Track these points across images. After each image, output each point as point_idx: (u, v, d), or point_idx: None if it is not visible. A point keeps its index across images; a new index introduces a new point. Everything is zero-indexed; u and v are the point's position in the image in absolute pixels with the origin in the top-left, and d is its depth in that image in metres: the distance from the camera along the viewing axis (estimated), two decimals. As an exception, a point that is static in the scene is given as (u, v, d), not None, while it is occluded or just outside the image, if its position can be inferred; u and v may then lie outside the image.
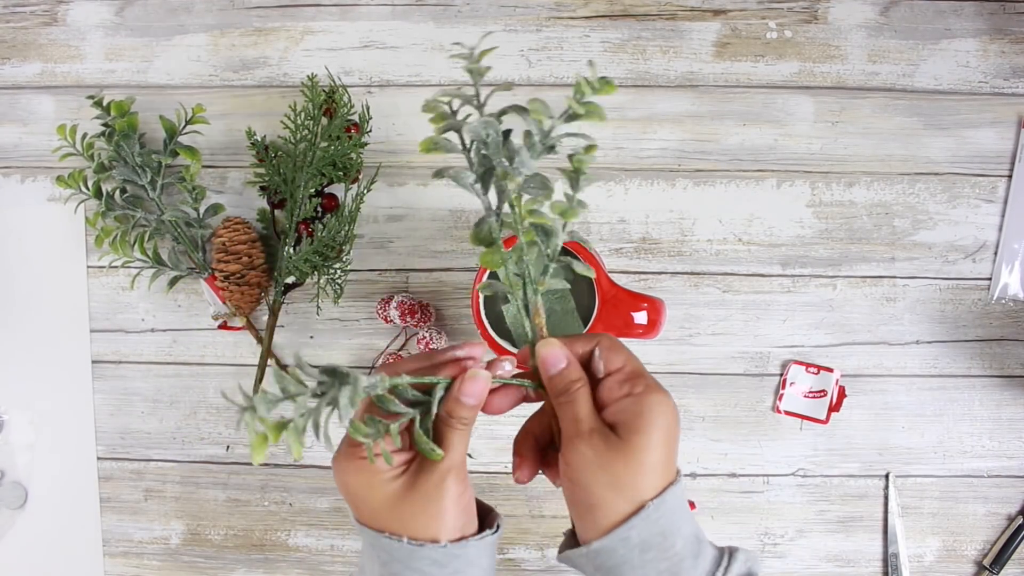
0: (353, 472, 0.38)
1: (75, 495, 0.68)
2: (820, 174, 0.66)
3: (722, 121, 0.66)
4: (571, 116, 0.36)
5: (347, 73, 0.67)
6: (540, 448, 0.41)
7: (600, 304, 0.55)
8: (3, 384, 0.69)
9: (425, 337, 0.64)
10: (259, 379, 0.66)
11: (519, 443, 0.41)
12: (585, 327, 0.56)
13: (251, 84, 0.68)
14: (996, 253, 0.65)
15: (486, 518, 0.40)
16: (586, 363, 0.40)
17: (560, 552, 0.39)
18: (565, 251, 0.58)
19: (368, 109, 0.65)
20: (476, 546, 0.38)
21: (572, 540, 0.39)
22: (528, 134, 0.37)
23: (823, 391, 0.65)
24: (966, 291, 0.66)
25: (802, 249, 0.66)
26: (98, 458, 0.69)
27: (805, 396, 0.65)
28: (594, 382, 0.39)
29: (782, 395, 0.65)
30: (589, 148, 0.38)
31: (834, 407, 0.65)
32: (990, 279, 0.65)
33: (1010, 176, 0.65)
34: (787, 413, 0.65)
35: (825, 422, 0.65)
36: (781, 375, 0.66)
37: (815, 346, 0.66)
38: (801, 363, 0.65)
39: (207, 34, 0.68)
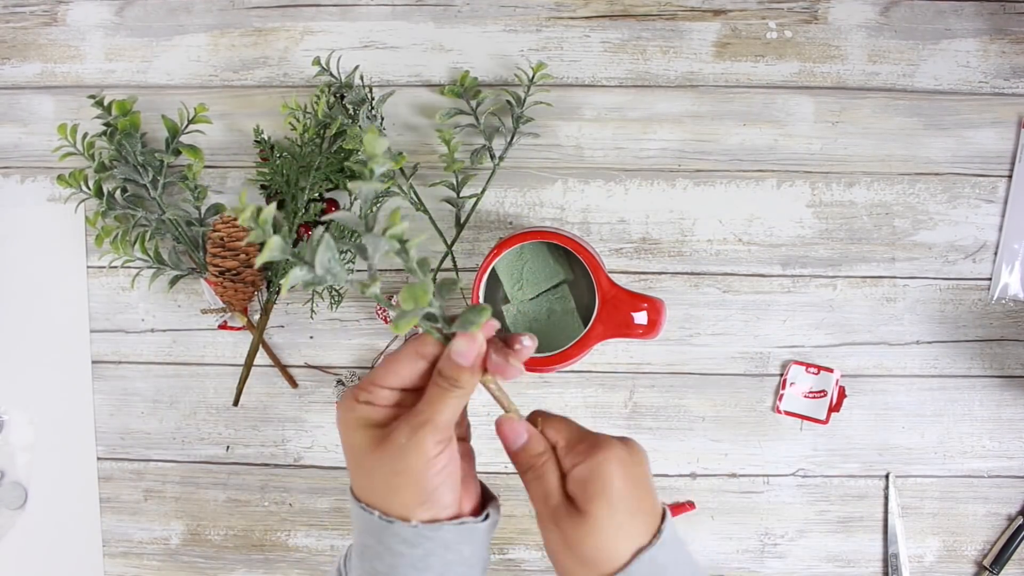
0: (343, 409, 0.36)
1: (75, 495, 0.68)
2: (820, 174, 0.66)
3: (722, 121, 0.66)
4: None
5: (347, 73, 0.67)
6: None
7: (600, 304, 0.55)
8: (3, 384, 0.69)
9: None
10: (244, 378, 0.66)
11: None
12: (585, 327, 0.56)
13: (251, 84, 0.68)
14: (996, 253, 0.65)
15: (485, 505, 0.39)
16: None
17: None
18: (563, 251, 0.58)
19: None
20: (453, 531, 0.36)
21: None
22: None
23: (823, 391, 0.65)
24: (966, 291, 0.66)
25: (802, 249, 0.66)
26: (98, 458, 0.69)
27: (805, 396, 0.65)
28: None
29: (782, 395, 0.65)
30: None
31: (834, 407, 0.65)
32: (990, 279, 0.65)
33: (1010, 176, 0.65)
34: (787, 413, 0.65)
35: (825, 422, 0.65)
36: (781, 375, 0.66)
37: (815, 346, 0.66)
38: (801, 363, 0.65)
39: (207, 34, 0.68)
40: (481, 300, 0.56)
